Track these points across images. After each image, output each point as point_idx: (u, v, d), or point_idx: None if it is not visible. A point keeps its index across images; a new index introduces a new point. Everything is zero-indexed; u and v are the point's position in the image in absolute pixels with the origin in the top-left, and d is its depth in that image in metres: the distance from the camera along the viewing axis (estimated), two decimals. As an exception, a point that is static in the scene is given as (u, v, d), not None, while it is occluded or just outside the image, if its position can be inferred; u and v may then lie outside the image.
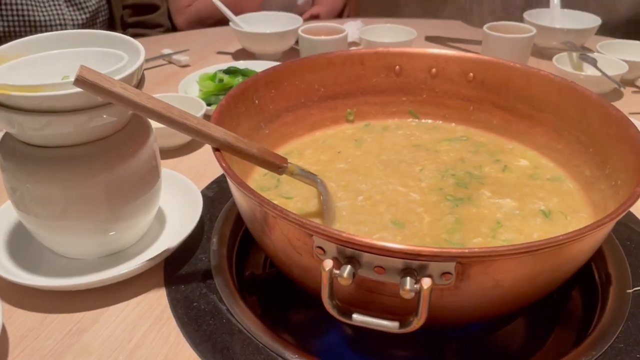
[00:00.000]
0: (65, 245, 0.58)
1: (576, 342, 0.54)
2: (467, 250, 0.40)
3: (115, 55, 0.54)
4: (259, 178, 0.63)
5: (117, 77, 0.48)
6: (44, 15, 1.34)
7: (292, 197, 0.60)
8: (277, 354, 0.49)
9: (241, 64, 1.06)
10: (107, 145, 0.53)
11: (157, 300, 0.55)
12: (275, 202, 0.59)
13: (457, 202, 0.59)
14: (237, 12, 1.25)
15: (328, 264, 0.41)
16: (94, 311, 0.54)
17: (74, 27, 1.37)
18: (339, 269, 0.41)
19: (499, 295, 0.45)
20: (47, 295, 0.55)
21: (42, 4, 1.34)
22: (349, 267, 0.41)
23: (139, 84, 0.53)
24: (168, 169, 0.69)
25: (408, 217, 0.57)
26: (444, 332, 0.58)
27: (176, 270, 0.59)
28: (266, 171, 0.60)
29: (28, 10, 1.32)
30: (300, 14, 1.41)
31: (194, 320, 0.53)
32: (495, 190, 0.62)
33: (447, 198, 0.60)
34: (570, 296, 0.63)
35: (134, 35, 0.55)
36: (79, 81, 0.44)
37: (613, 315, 0.54)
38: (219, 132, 0.51)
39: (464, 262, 0.41)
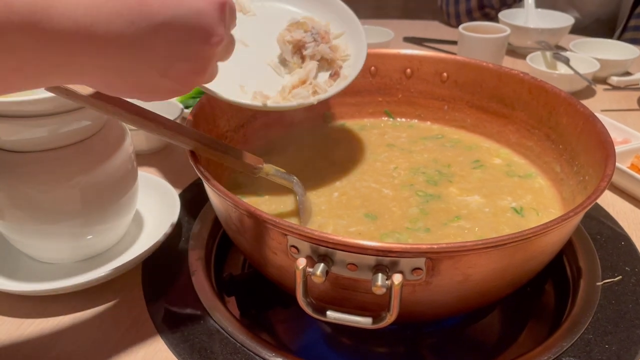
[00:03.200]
0: (41, 250, 0.58)
1: (549, 334, 0.55)
2: (435, 246, 0.41)
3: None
4: (233, 176, 0.64)
5: (90, 81, 0.48)
6: None
7: (267, 194, 0.61)
8: (255, 353, 0.50)
9: (219, 67, 1.06)
10: (82, 149, 0.53)
11: (134, 303, 0.55)
12: (250, 199, 0.60)
13: (428, 198, 0.61)
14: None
15: (301, 262, 0.42)
16: (72, 315, 0.54)
17: None
18: (312, 267, 0.42)
19: (470, 289, 0.46)
20: (24, 300, 0.55)
21: None
22: (322, 265, 0.42)
23: (113, 88, 0.53)
24: (145, 172, 0.69)
25: (380, 211, 0.58)
26: (419, 327, 0.59)
27: (154, 272, 0.59)
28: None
29: None
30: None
31: (172, 322, 0.53)
32: (466, 188, 0.63)
33: (417, 194, 0.61)
34: (543, 289, 0.64)
35: None
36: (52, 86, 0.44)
37: (583, 307, 0.55)
38: (192, 134, 0.51)
39: (434, 257, 0.42)
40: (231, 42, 0.43)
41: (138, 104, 0.48)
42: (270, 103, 0.56)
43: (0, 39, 0.29)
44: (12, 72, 0.32)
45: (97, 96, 0.46)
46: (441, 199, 0.61)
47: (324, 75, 0.62)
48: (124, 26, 0.33)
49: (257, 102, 0.56)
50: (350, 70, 0.62)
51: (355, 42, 0.64)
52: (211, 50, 0.38)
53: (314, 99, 0.58)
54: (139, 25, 0.33)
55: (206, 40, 0.37)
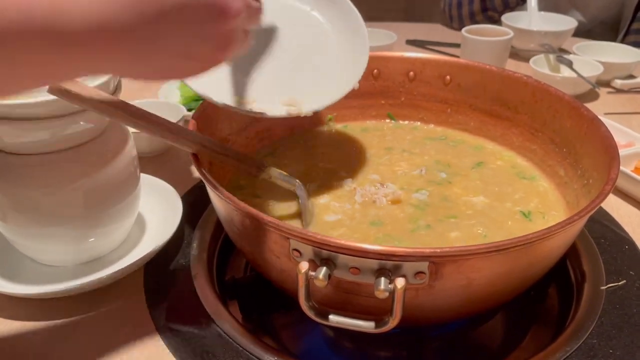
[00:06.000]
0: (44, 253, 0.58)
1: (552, 339, 0.55)
2: (438, 250, 0.41)
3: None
4: (234, 178, 0.64)
5: (93, 84, 0.48)
6: None
7: (268, 196, 0.61)
8: (258, 357, 0.50)
9: (222, 69, 1.06)
10: (85, 151, 0.53)
11: (136, 306, 0.55)
12: (251, 202, 0.60)
13: (433, 199, 0.60)
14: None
15: (304, 266, 0.41)
16: (74, 318, 0.54)
17: None
18: (314, 270, 0.42)
19: (473, 293, 0.46)
20: (26, 303, 0.55)
21: None
22: (324, 268, 0.42)
23: (115, 91, 0.53)
24: (148, 175, 0.69)
25: (384, 214, 0.58)
26: (423, 331, 0.58)
27: (156, 275, 0.59)
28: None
29: None
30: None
31: (174, 325, 0.53)
32: (470, 190, 0.63)
33: (421, 195, 0.61)
34: (547, 294, 0.64)
35: None
36: (54, 89, 0.44)
37: (587, 312, 0.55)
38: (195, 137, 0.51)
39: (437, 261, 0.41)
40: (254, 9, 0.41)
41: (141, 106, 0.48)
42: (255, 107, 0.56)
43: (22, 43, 0.31)
44: (35, 70, 0.33)
45: (99, 99, 0.46)
46: (447, 200, 0.60)
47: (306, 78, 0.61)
48: (134, 17, 0.33)
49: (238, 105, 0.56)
50: (349, 75, 0.61)
51: (357, 44, 0.63)
52: (229, 25, 0.37)
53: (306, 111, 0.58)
54: (149, 13, 0.33)
55: (221, 16, 0.36)
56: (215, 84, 0.56)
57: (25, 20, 0.30)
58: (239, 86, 0.58)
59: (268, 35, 0.62)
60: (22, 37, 0.30)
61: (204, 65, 0.39)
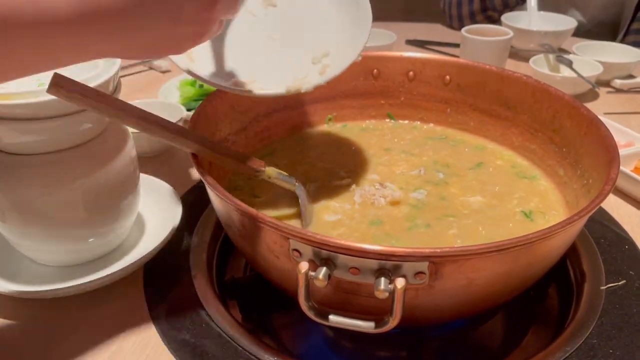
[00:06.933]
0: (43, 253, 0.58)
1: (552, 339, 0.55)
2: (438, 250, 0.41)
3: (90, 62, 0.54)
4: (234, 178, 0.64)
5: (93, 84, 0.48)
6: None
7: (265, 196, 0.61)
8: (257, 357, 0.49)
9: (222, 69, 1.06)
10: (84, 151, 0.53)
11: (136, 306, 0.55)
12: (249, 202, 0.60)
13: (431, 199, 0.61)
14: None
15: (304, 266, 0.41)
16: (73, 318, 0.54)
17: None
18: (314, 270, 0.42)
19: (473, 293, 0.46)
20: (25, 303, 0.55)
21: None
22: (324, 268, 0.42)
23: (115, 91, 0.53)
24: (147, 175, 0.69)
25: (384, 213, 0.58)
26: (423, 331, 0.58)
27: (155, 275, 0.59)
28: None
29: None
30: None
31: (173, 325, 0.53)
32: (467, 190, 0.63)
33: (420, 195, 0.61)
34: (547, 294, 0.64)
35: None
36: (54, 89, 0.44)
37: (587, 312, 0.55)
38: (195, 137, 0.51)
39: (437, 261, 0.41)
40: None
41: (141, 106, 0.48)
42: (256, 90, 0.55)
43: (9, 31, 0.32)
44: (23, 55, 0.34)
45: (99, 99, 0.46)
46: (444, 200, 0.60)
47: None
48: None
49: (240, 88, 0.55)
50: (351, 48, 0.58)
51: (358, 15, 0.60)
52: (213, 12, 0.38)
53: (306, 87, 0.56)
54: None
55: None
56: (212, 65, 0.56)
57: (11, 11, 0.32)
58: (238, 67, 0.57)
59: (266, 13, 0.61)
60: (8, 26, 0.32)
61: (197, 28, 0.39)
